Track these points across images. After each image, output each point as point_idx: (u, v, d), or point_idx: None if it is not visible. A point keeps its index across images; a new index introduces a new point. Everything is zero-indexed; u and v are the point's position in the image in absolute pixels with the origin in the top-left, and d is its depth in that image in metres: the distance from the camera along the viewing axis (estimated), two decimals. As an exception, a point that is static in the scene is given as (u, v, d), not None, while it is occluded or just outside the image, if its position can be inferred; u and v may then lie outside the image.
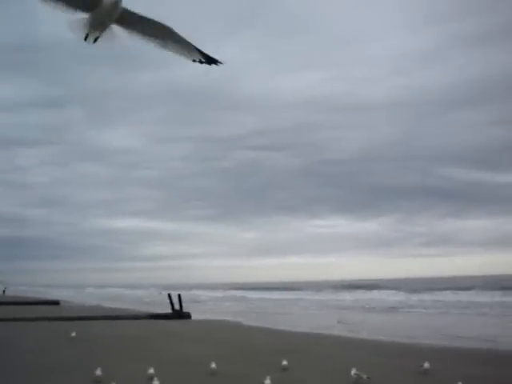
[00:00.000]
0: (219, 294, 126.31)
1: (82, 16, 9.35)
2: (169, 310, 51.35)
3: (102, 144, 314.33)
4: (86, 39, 9.55)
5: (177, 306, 51.27)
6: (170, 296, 53.09)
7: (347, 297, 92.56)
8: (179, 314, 49.92)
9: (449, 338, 29.96)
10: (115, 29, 9.70)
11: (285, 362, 20.41)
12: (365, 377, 17.50)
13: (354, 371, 17.82)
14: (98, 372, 18.16)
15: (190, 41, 9.94)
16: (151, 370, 18.30)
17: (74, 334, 30.20)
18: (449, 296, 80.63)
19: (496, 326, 41.05)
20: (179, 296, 51.69)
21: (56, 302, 78.67)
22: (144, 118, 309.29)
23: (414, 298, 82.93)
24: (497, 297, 72.15)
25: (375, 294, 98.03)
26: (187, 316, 50.13)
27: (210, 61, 10.11)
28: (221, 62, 10.08)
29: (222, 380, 18.54)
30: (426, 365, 18.87)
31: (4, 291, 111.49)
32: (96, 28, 9.45)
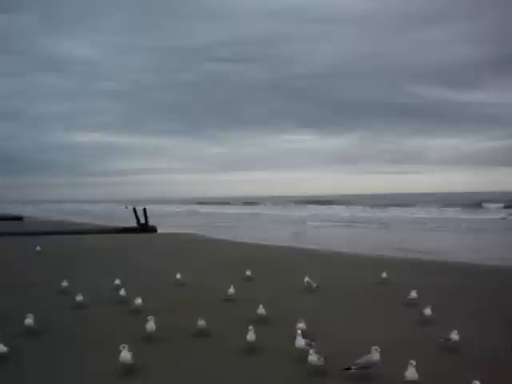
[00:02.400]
0: (184, 208, 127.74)
1: None
2: (134, 224, 51.81)
3: (59, 53, 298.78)
4: None
5: (142, 220, 51.74)
6: (135, 210, 53.29)
7: (309, 211, 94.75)
8: (145, 228, 50.51)
9: (405, 251, 31.41)
10: None
11: (248, 273, 21.27)
12: (314, 285, 18.97)
13: (306, 279, 19.22)
14: (65, 284, 18.53)
15: None
16: (117, 281, 18.78)
17: (39, 249, 30.42)
18: (410, 212, 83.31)
19: (451, 240, 43.26)
20: (144, 210, 52.02)
21: (19, 218, 78.21)
22: (103, 26, 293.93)
23: (375, 213, 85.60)
24: (457, 213, 75.02)
25: (336, 209, 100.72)
26: (153, 229, 50.81)
27: None
28: None
29: (188, 290, 19.21)
30: (384, 275, 20.07)
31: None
32: None
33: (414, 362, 9.13)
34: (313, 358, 10.00)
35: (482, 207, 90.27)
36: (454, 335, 11.45)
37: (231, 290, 17.25)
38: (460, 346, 11.43)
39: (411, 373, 9.06)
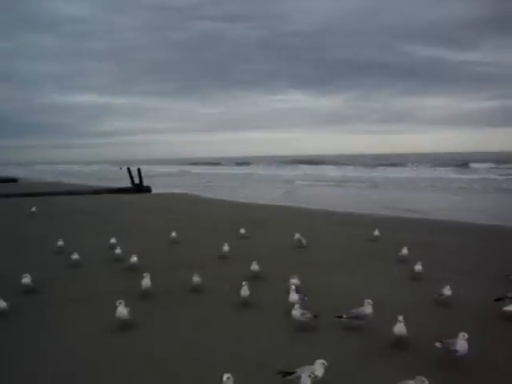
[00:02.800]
0: (178, 168, 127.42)
1: None
2: (129, 185, 51.77)
3: (46, 11, 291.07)
4: None
5: (137, 181, 51.67)
6: (129, 170, 53.14)
7: (301, 171, 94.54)
8: (139, 188, 50.52)
9: (396, 209, 31.62)
10: None
11: (242, 231, 21.48)
12: (304, 242, 19.30)
13: (296, 236, 19.54)
14: (60, 243, 18.64)
15: None
16: (113, 240, 18.91)
17: (34, 209, 30.45)
18: (401, 172, 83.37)
19: (441, 199, 43.57)
20: (139, 170, 51.89)
21: (14, 180, 77.97)
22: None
23: (366, 172, 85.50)
24: (448, 173, 75.08)
25: (328, 169, 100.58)
26: (147, 190, 50.83)
27: None
28: None
29: (183, 247, 19.41)
30: (376, 232, 20.34)
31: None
32: None
33: (401, 318, 9.11)
34: (296, 313, 10.17)
35: (469, 167, 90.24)
36: (447, 290, 11.68)
37: (225, 248, 17.43)
38: (451, 301, 11.67)
39: (399, 328, 9.10)
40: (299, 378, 7.25)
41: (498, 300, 11.04)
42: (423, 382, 6.86)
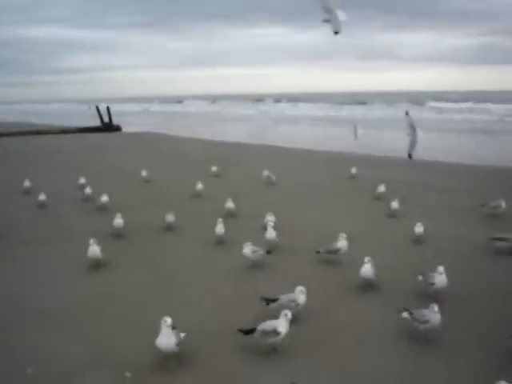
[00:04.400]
0: (147, 106, 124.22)
1: None
2: (98, 124, 50.27)
3: None
4: None
5: (106, 119, 50.20)
6: (98, 109, 51.48)
7: (278, 108, 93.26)
8: (109, 127, 49.14)
9: (373, 149, 31.44)
10: None
11: (214, 169, 21.11)
12: (274, 178, 19.19)
13: (265, 173, 19.38)
14: (27, 184, 17.99)
15: None
16: (82, 180, 18.36)
17: (-2, 149, 29.38)
18: (378, 110, 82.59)
19: (420, 138, 43.66)
20: (108, 109, 50.24)
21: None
22: None
23: (344, 110, 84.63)
24: (426, 112, 74.62)
25: (305, 107, 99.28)
26: (117, 129, 49.52)
27: None
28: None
29: (155, 186, 19.01)
30: (354, 170, 20.23)
31: None
32: None
33: (367, 259, 8.76)
34: (247, 250, 9.97)
35: (447, 106, 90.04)
36: (418, 228, 11.58)
37: (199, 186, 17.08)
38: (427, 237, 11.67)
39: (366, 270, 8.77)
40: (282, 305, 7.28)
41: (495, 239, 10.93)
42: (434, 308, 6.95)
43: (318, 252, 10.22)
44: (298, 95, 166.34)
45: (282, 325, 6.63)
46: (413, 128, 26.65)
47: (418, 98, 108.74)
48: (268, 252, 10.15)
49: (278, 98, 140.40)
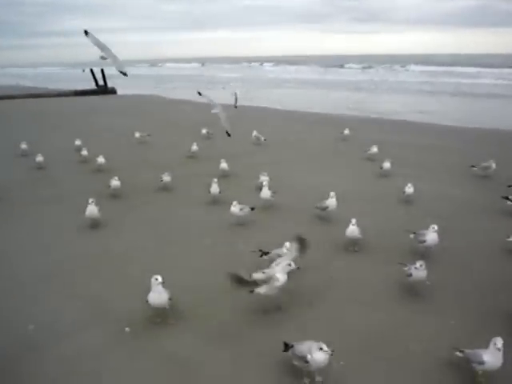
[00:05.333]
0: (143, 69, 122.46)
1: None
2: (93, 87, 49.72)
3: None
4: None
5: (101, 82, 49.64)
6: (92, 72, 50.75)
7: (269, 71, 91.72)
8: (104, 90, 48.65)
9: (363, 111, 31.33)
10: None
11: (204, 131, 21.34)
12: (262, 138, 19.54)
13: (254, 133, 19.77)
14: (24, 146, 18.07)
15: None
16: (78, 142, 18.45)
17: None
18: (370, 73, 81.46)
19: (410, 101, 43.50)
20: (102, 71, 49.54)
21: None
22: None
23: (335, 73, 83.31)
24: (416, 75, 73.56)
25: (296, 69, 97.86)
26: (112, 91, 49.05)
27: None
28: None
29: (151, 148, 19.11)
30: (346, 131, 20.35)
31: None
32: None
33: (354, 221, 8.90)
34: (235, 209, 10.24)
35: (436, 69, 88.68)
36: (408, 188, 11.80)
37: (194, 147, 17.23)
38: (417, 197, 11.92)
39: (351, 231, 8.93)
40: (272, 258, 7.56)
41: (505, 198, 11.21)
42: (434, 228, 7.85)
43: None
44: (286, 58, 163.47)
45: (280, 273, 6.77)
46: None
47: (406, 61, 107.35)
48: (252, 208, 10.42)
49: (266, 61, 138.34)
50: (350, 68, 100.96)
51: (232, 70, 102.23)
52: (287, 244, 7.75)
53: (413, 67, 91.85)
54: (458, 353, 5.76)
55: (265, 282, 6.78)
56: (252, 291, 6.73)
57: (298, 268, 6.79)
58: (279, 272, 6.77)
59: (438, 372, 5.68)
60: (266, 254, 7.96)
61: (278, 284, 6.73)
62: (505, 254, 8.91)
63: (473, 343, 5.79)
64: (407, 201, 11.90)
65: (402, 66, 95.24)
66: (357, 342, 6.25)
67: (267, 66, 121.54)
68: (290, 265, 6.77)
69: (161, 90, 51.21)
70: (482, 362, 5.39)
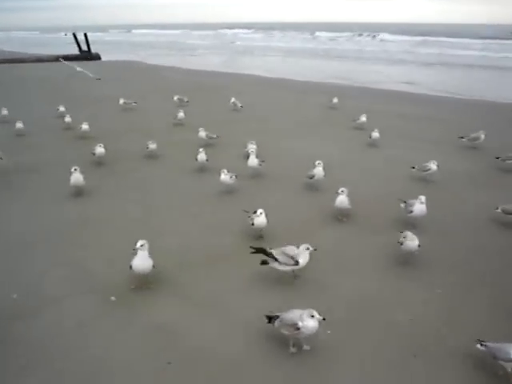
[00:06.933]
0: (126, 35, 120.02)
1: None
2: (75, 52, 48.44)
3: None
4: None
5: (84, 47, 48.34)
6: (75, 36, 49.30)
7: (254, 38, 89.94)
8: (88, 56, 47.40)
9: (351, 80, 31.06)
10: None
11: (176, 97, 21.02)
12: (239, 105, 19.45)
13: (232, 100, 19.65)
14: (4, 112, 17.61)
15: None
16: (61, 108, 18.05)
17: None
18: (360, 42, 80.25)
19: (399, 71, 43.19)
20: (85, 36, 48.20)
21: None
22: None
23: (327, 42, 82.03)
24: (404, 45, 72.45)
25: (284, 37, 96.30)
26: (96, 57, 47.86)
27: None
28: None
29: (136, 115, 18.73)
30: (335, 100, 20.19)
31: None
32: None
33: (341, 190, 8.74)
34: (226, 177, 10.16)
35: (428, 40, 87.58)
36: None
37: (181, 114, 16.93)
38: (405, 167, 11.86)
39: (340, 200, 8.79)
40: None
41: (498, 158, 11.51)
42: (421, 199, 8.30)
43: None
44: (259, 25, 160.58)
45: (301, 256, 6.69)
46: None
47: (398, 30, 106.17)
48: (236, 176, 10.30)
49: (250, 27, 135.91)
50: (337, 37, 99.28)
51: (213, 37, 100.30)
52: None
53: (386, 36, 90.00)
54: (479, 346, 4.94)
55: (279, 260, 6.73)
56: (265, 263, 6.77)
57: (315, 249, 6.73)
58: (300, 255, 6.68)
59: (424, 340, 5.69)
60: (267, 254, 7.02)
61: (298, 267, 6.73)
62: (493, 224, 8.92)
63: (460, 312, 5.79)
64: (394, 165, 11.87)
65: (372, 37, 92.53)
66: (343, 311, 6.22)
67: (240, 32, 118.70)
68: (307, 248, 6.69)
69: (142, 56, 50.26)
70: (511, 359, 4.49)
